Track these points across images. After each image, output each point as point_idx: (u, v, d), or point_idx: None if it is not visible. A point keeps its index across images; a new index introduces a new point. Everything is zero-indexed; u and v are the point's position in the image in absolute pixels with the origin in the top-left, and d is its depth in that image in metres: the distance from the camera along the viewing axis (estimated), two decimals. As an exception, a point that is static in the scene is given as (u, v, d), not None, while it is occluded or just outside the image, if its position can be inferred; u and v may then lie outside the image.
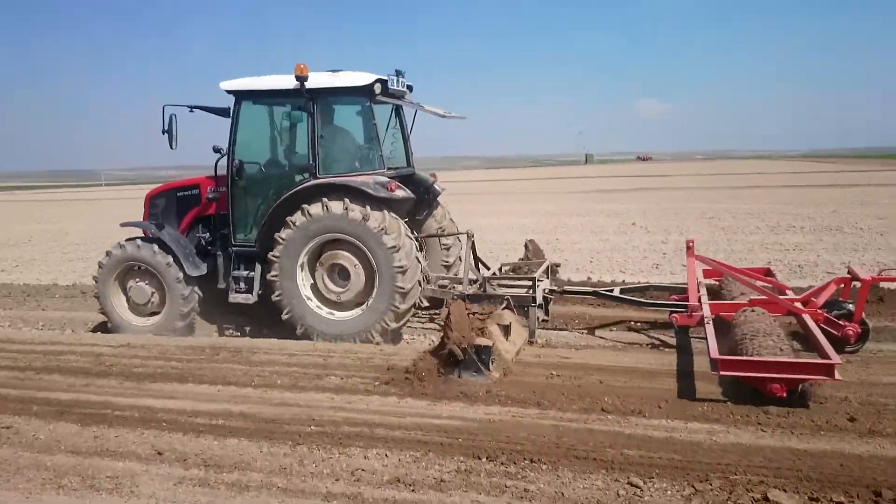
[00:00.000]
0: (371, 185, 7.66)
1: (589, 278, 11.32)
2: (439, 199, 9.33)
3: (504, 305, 7.57)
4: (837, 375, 5.32)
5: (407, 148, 9.23)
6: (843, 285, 7.50)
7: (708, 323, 6.62)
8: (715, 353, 5.74)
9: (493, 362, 6.25)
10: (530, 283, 7.99)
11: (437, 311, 8.42)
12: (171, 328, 8.47)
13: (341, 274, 7.94)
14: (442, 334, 6.35)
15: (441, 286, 8.64)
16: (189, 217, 8.90)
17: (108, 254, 8.69)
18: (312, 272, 8.04)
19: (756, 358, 5.64)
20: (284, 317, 8.04)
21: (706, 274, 8.68)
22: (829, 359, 5.44)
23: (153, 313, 8.66)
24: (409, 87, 8.83)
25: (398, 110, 9.02)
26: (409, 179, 8.92)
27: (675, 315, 7.38)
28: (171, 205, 9.00)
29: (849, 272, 7.62)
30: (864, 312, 7.01)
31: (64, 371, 7.13)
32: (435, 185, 9.17)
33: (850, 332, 6.83)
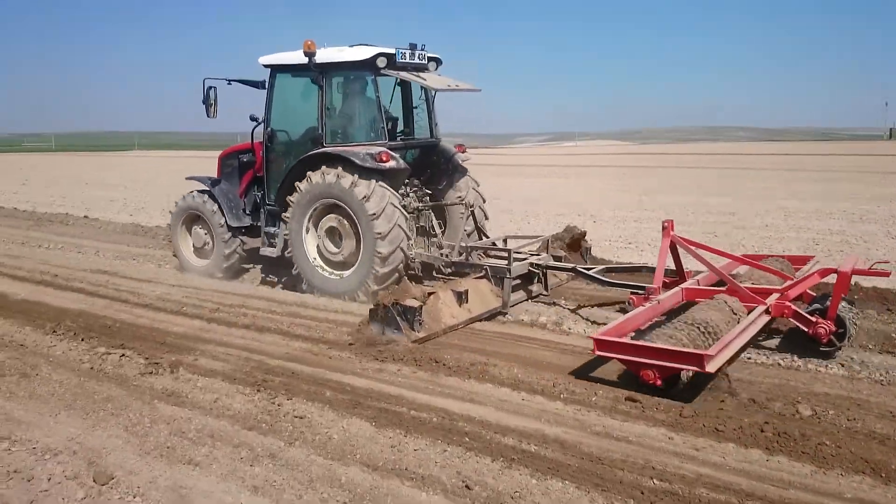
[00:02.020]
0: (360, 156, 8.02)
1: None
2: (468, 169, 9.50)
3: (482, 275, 7.95)
4: (709, 368, 5.00)
5: (431, 119, 9.48)
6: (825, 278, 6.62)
7: (645, 304, 6.50)
8: (597, 333, 5.64)
9: (420, 323, 6.60)
10: (521, 254, 8.50)
11: (482, 274, 8.10)
12: (217, 269, 9.70)
13: (338, 237, 8.45)
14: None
15: (433, 254, 8.67)
16: (247, 177, 9.72)
17: (176, 203, 10.18)
18: (316, 234, 8.65)
19: (629, 341, 5.52)
20: (294, 272, 8.85)
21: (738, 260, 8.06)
22: (700, 353, 5.08)
23: None
24: (435, 60, 8.98)
25: (407, 84, 9.15)
26: (431, 150, 9.44)
27: (632, 296, 6.99)
28: (234, 165, 9.85)
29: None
30: (851, 310, 6.41)
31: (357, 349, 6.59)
32: (456, 157, 9.40)
33: (821, 331, 6.03)
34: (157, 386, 5.66)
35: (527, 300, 8.22)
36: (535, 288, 8.36)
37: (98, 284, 9.37)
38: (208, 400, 5.36)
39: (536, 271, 8.26)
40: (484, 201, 9.59)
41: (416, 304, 6.66)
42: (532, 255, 8.60)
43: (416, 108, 9.43)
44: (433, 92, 9.19)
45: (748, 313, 6.16)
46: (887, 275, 6.72)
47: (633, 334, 6.10)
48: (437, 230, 8.97)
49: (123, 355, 6.34)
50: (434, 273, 8.71)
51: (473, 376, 5.76)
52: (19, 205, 19.88)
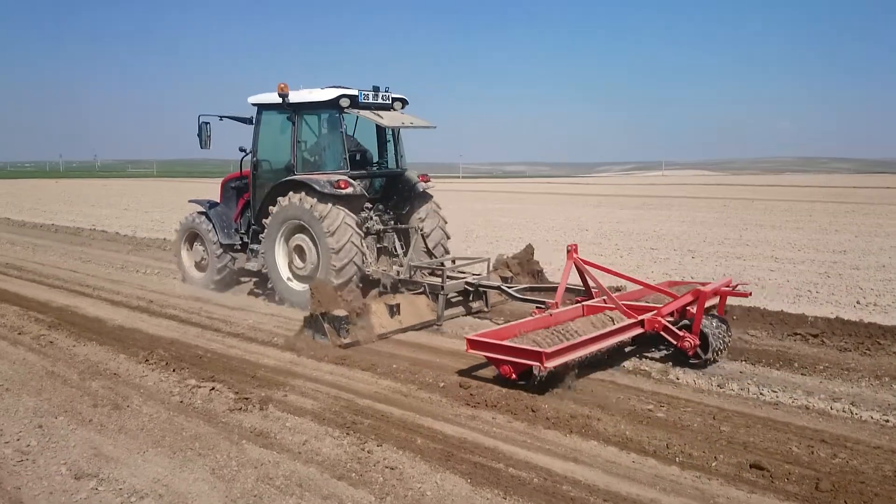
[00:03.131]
0: (321, 183, 8.99)
1: None
2: (432, 195, 10.48)
3: (421, 291, 8.90)
4: (547, 364, 5.79)
5: (397, 152, 10.47)
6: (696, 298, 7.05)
7: (535, 315, 7.40)
8: (471, 335, 6.61)
9: (346, 331, 7.57)
10: (463, 274, 9.48)
11: (421, 291, 9.01)
12: (210, 281, 10.84)
13: (304, 253, 9.41)
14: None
15: (387, 271, 9.46)
16: (241, 200, 10.88)
17: (180, 223, 11.47)
18: (286, 251, 9.64)
19: (491, 341, 6.36)
20: (269, 285, 9.91)
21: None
22: (539, 350, 5.94)
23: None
24: (400, 100, 10.00)
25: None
26: (397, 179, 10.41)
27: (535, 310, 7.66)
28: (233, 190, 11.07)
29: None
30: (719, 327, 7.00)
31: (446, 391, 6.24)
32: (418, 185, 10.35)
33: (686, 345, 6.76)
34: (245, 424, 5.49)
35: (466, 315, 9.17)
36: (476, 305, 9.35)
37: (191, 311, 9.46)
38: (297, 442, 5.13)
39: (471, 289, 9.14)
40: (445, 223, 10.57)
41: (343, 313, 7.60)
42: (475, 275, 9.47)
43: (388, 142, 10.44)
44: (389, 129, 10.18)
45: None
46: (747, 295, 7.83)
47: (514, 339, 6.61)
48: (399, 250, 10.05)
49: (213, 389, 6.24)
50: (400, 288, 9.21)
51: (576, 431, 5.30)
52: (121, 229, 20.76)
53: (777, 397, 6.11)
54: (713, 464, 4.75)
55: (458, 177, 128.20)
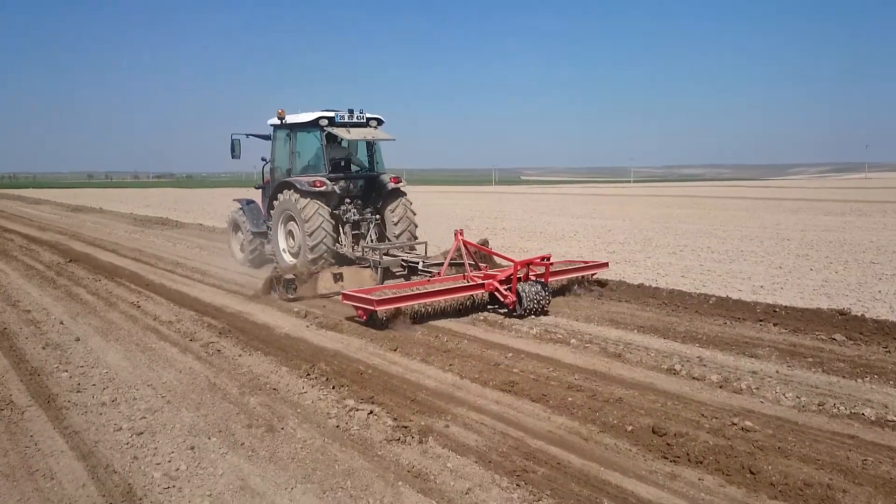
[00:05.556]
0: (302, 184, 11.99)
1: None
2: (405, 192, 13.20)
3: (367, 265, 11.46)
4: (378, 309, 8.41)
5: (373, 159, 13.32)
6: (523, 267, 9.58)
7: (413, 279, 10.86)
8: (346, 291, 9.30)
9: (294, 289, 10.42)
10: (409, 254, 12.03)
11: (368, 265, 11.52)
12: (246, 260, 14.03)
13: (293, 236, 12.44)
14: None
15: (349, 251, 12.39)
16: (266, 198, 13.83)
17: (228, 215, 14.95)
18: (283, 234, 12.70)
19: (354, 292, 8.98)
20: (274, 264, 12.51)
21: None
22: (371, 298, 8.50)
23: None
24: (376, 119, 12.78)
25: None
26: (374, 180, 13.12)
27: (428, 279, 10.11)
28: (261, 190, 14.28)
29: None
30: (534, 289, 9.23)
31: (627, 434, 5.20)
32: (389, 184, 12.92)
33: (508, 302, 9.27)
34: (402, 460, 4.84)
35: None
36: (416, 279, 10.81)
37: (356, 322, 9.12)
38: (459, 490, 4.39)
39: (404, 266, 11.60)
40: (414, 214, 13.13)
41: (290, 277, 10.49)
42: (413, 255, 11.89)
43: (376, 151, 13.31)
44: (355, 141, 13.01)
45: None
46: (547, 265, 9.65)
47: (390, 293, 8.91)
48: (373, 235, 12.60)
49: (371, 412, 5.69)
50: (361, 263, 11.83)
51: (814, 506, 4.08)
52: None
53: None
54: None
55: (629, 181, 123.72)
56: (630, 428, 5.29)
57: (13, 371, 7.01)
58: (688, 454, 4.80)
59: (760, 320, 8.84)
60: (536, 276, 9.68)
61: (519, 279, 9.42)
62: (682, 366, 6.94)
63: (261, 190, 14.32)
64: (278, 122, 12.85)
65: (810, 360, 7.15)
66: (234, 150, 13.51)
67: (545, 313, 9.33)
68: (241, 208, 14.26)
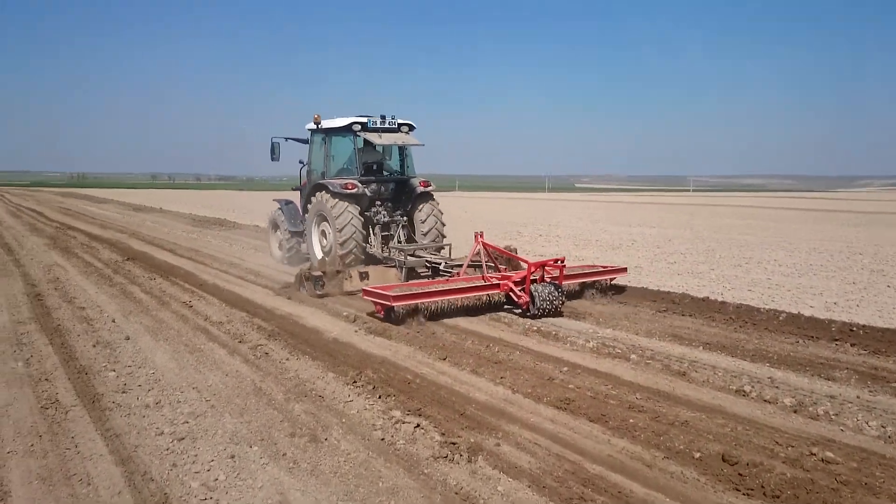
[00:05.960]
0: (335, 186, 12.40)
1: None
2: (432, 195, 13.52)
3: (393, 265, 11.70)
4: (394, 305, 8.69)
5: (404, 163, 13.64)
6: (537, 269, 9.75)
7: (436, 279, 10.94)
8: (367, 287, 9.71)
9: (321, 286, 10.79)
10: (434, 256, 12.10)
11: (394, 265, 11.86)
12: (284, 258, 14.49)
13: (326, 235, 12.80)
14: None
15: (378, 252, 12.78)
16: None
17: (268, 215, 15.40)
18: (317, 233, 13.10)
19: (373, 288, 9.24)
20: (305, 255, 13.71)
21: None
22: (389, 294, 8.83)
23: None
24: (407, 125, 13.18)
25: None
26: (405, 184, 13.44)
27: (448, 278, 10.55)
28: (299, 191, 14.64)
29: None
30: (548, 291, 9.42)
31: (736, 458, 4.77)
32: (418, 188, 13.22)
33: (522, 302, 9.49)
34: (450, 480, 4.55)
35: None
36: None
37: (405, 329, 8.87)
38: (509, 517, 4.06)
39: (428, 267, 11.64)
40: (441, 213, 13.47)
41: (318, 274, 10.82)
42: (438, 258, 11.91)
43: (407, 156, 13.57)
44: (381, 147, 13.12)
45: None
46: (561, 267, 9.80)
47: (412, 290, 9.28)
48: (402, 236, 12.94)
49: (418, 426, 5.42)
50: (389, 263, 12.07)
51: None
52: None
53: None
54: None
55: (689, 190, 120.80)
56: (698, 455, 4.88)
57: (62, 369, 6.99)
58: (762, 486, 4.37)
59: (836, 339, 8.23)
60: (551, 277, 9.94)
61: (534, 281, 9.70)
62: (753, 387, 6.44)
63: (299, 191, 14.74)
64: (314, 126, 13.29)
65: (895, 385, 6.57)
66: (274, 153, 14.16)
67: (559, 314, 9.53)
68: (280, 208, 14.76)
